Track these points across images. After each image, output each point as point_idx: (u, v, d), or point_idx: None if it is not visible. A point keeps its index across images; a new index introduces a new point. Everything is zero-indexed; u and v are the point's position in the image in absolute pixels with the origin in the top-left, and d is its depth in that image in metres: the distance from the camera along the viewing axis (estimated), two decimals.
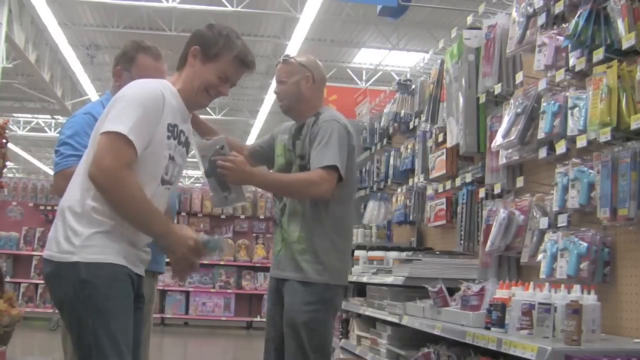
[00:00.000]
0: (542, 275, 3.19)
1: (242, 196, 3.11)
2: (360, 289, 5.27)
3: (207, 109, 19.68)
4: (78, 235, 2.36)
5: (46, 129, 22.79)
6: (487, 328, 3.00)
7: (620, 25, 2.90)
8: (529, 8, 3.62)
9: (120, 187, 2.34)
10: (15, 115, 21.11)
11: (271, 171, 3.52)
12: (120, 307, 2.38)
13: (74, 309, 2.37)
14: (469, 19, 4.38)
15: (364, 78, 16.04)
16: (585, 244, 3.02)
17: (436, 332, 3.42)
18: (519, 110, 3.55)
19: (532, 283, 2.94)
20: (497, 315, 2.93)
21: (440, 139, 4.68)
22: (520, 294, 2.89)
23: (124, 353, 2.35)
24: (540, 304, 2.72)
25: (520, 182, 3.74)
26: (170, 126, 2.52)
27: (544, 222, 3.36)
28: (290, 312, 3.30)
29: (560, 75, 3.29)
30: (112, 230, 2.39)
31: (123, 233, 2.41)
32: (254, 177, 3.14)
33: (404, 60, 14.48)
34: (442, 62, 4.69)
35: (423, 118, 5.07)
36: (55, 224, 2.46)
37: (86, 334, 2.33)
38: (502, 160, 3.75)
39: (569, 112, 3.16)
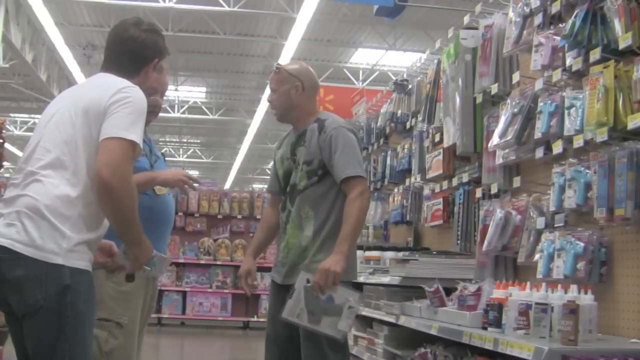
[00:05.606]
0: (539, 275, 3.18)
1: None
2: (357, 289, 5.26)
3: (204, 109, 19.68)
4: (66, 237, 2.32)
5: None
6: (484, 328, 3.00)
7: (617, 25, 2.90)
8: (525, 8, 3.62)
9: (131, 193, 2.37)
10: (12, 115, 21.09)
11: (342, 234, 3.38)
12: (93, 313, 2.42)
13: (53, 315, 2.31)
14: (466, 19, 4.39)
15: (360, 78, 16.03)
16: (582, 244, 3.02)
17: (433, 332, 3.42)
18: (515, 110, 3.55)
19: (529, 283, 2.95)
20: (494, 315, 2.93)
21: (437, 139, 4.68)
22: (517, 294, 2.89)
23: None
24: (537, 304, 2.72)
25: (517, 182, 3.74)
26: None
27: (540, 222, 3.36)
28: None
29: (557, 75, 3.29)
30: (89, 241, 2.39)
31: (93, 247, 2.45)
32: (346, 260, 3.28)
33: (401, 60, 14.46)
34: (439, 62, 4.69)
35: (420, 118, 5.07)
36: (23, 219, 2.32)
37: (62, 341, 2.30)
38: (499, 160, 3.75)
39: (566, 112, 3.16)
